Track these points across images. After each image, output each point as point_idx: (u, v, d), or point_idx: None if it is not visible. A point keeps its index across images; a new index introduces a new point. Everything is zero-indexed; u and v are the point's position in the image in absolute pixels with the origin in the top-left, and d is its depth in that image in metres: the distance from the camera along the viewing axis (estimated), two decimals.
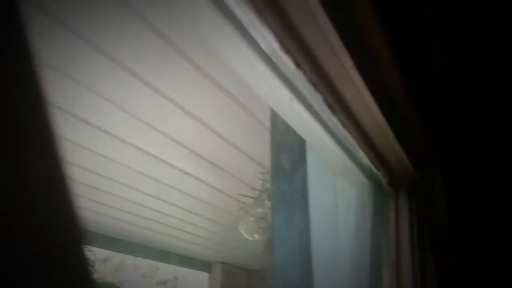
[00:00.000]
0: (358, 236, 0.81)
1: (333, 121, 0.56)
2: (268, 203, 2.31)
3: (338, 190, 0.89)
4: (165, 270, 8.09)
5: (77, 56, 1.46)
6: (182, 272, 7.94)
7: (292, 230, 1.09)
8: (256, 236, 2.41)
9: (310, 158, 0.96)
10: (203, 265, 4.34)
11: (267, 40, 0.41)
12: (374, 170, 0.73)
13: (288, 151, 0.98)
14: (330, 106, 0.53)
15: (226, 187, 2.60)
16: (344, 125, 0.58)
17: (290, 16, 0.41)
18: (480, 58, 0.90)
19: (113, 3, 1.22)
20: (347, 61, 0.50)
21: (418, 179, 0.82)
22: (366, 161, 0.69)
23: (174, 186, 2.51)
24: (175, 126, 1.93)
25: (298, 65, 0.45)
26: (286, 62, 0.44)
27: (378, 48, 0.56)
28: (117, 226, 3.13)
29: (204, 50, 1.43)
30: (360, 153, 0.66)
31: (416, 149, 0.81)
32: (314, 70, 0.49)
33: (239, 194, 2.39)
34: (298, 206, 1.07)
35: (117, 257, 7.69)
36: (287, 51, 0.43)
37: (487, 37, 0.86)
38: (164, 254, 3.94)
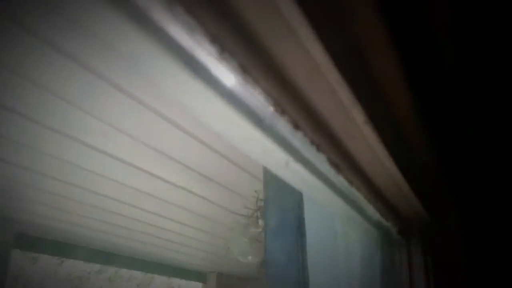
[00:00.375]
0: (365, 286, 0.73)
1: (339, 180, 0.47)
2: (262, 223, 2.22)
3: (338, 230, 0.81)
4: (161, 280, 8.01)
5: (65, 74, 1.41)
6: (178, 281, 7.86)
7: (288, 263, 1.03)
8: (249, 258, 2.32)
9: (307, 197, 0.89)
10: (198, 275, 4.28)
11: (257, 99, 0.32)
12: (383, 221, 0.65)
13: (282, 189, 0.91)
14: (335, 166, 0.44)
15: (220, 199, 2.57)
16: (351, 183, 0.49)
17: (286, 71, 0.32)
18: (498, 94, 0.83)
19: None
20: (359, 116, 0.41)
21: (431, 221, 0.74)
22: (375, 214, 0.60)
23: (167, 199, 2.49)
24: (167, 140, 1.91)
25: (296, 126, 0.36)
26: (282, 123, 0.35)
27: (395, 95, 0.48)
28: (109, 240, 3.10)
29: None
30: (369, 208, 0.58)
31: (430, 193, 0.73)
32: (317, 129, 0.40)
33: (233, 213, 2.31)
34: (294, 239, 1.00)
35: (112, 267, 7.59)
36: (282, 112, 0.34)
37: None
38: (158, 266, 3.89)
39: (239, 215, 2.32)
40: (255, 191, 2.18)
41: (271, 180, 1.01)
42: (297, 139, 0.38)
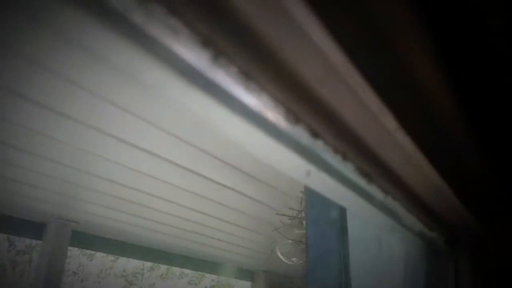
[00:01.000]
0: None
1: (372, 189, 0.43)
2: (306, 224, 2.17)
3: (382, 238, 0.75)
4: (211, 276, 8.15)
5: (107, 76, 1.44)
6: (228, 278, 7.95)
7: (330, 271, 0.99)
8: (294, 260, 2.28)
9: None
10: (246, 274, 4.29)
11: (266, 107, 0.29)
12: (427, 231, 0.59)
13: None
14: (365, 175, 0.40)
15: (267, 199, 2.57)
16: (386, 192, 0.44)
17: (298, 75, 0.29)
18: None
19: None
20: (390, 122, 0.37)
21: (482, 229, 0.67)
22: (416, 223, 0.55)
23: (215, 199, 2.51)
24: (216, 142, 1.92)
25: (315, 134, 0.33)
26: (298, 132, 0.32)
27: (433, 94, 0.43)
28: (161, 239, 3.19)
29: None
30: (409, 217, 0.52)
31: (480, 198, 0.66)
32: (340, 136, 0.36)
33: (277, 214, 2.28)
34: (336, 246, 0.97)
35: (163, 265, 7.82)
36: (297, 119, 0.30)
37: None
38: (208, 264, 3.94)
39: (284, 215, 2.29)
40: (301, 192, 2.14)
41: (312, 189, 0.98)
42: (318, 148, 0.34)
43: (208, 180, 2.29)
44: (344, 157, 0.37)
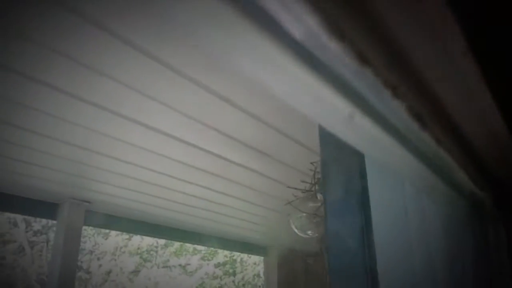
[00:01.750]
0: (450, 264, 0.61)
1: (422, 137, 0.36)
2: (320, 196, 2.12)
3: (409, 201, 0.69)
4: (224, 252, 8.25)
5: (120, 57, 1.40)
6: (240, 254, 8.05)
7: (351, 233, 0.94)
8: (309, 233, 2.23)
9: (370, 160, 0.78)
10: (259, 249, 4.30)
11: (303, 21, 0.21)
12: (476, 190, 0.52)
13: (341, 155, 0.80)
14: (418, 118, 0.33)
15: (276, 174, 2.53)
16: (439, 142, 0.37)
17: None
18: None
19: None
20: (457, 44, 0.29)
21: None
22: (466, 181, 0.48)
23: (224, 176, 2.48)
24: (222, 118, 1.89)
25: (363, 59, 0.26)
26: (342, 54, 0.24)
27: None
28: (174, 216, 3.20)
29: None
30: (460, 174, 0.45)
31: None
32: (392, 64, 0.29)
33: (289, 187, 2.23)
34: (356, 209, 0.90)
35: (176, 242, 7.94)
36: (341, 36, 0.23)
37: None
38: (220, 241, 3.95)
39: (296, 189, 2.25)
40: (312, 163, 2.08)
41: (328, 146, 0.90)
42: (365, 80, 0.27)
43: (217, 157, 2.26)
44: (395, 92, 0.30)
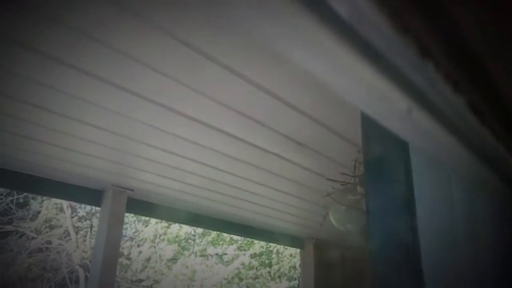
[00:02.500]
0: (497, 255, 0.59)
1: (481, 133, 0.35)
2: (361, 189, 2.08)
3: (455, 191, 0.67)
4: (260, 243, 8.31)
5: (161, 49, 1.43)
6: (277, 245, 8.09)
7: (394, 226, 0.91)
8: (349, 226, 2.20)
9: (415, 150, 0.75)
10: (296, 241, 4.30)
11: (365, 13, 0.21)
12: None
13: (383, 145, 0.78)
14: (478, 113, 0.32)
15: (315, 166, 2.51)
16: (497, 138, 0.36)
17: None
18: None
19: None
20: None
21: None
22: None
23: (262, 166, 2.49)
24: (261, 108, 1.89)
25: (426, 53, 0.25)
26: (404, 46, 0.24)
27: None
28: (211, 206, 3.25)
29: None
30: None
31: None
32: (455, 58, 0.28)
33: (328, 179, 2.21)
34: (400, 201, 0.88)
35: (214, 231, 8.08)
36: (405, 29, 0.22)
37: None
38: (257, 231, 3.98)
39: (335, 181, 2.22)
40: (352, 154, 2.04)
41: (371, 137, 0.89)
42: (426, 74, 0.26)
43: (256, 148, 2.27)
44: (456, 87, 0.29)
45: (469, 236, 0.71)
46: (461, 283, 0.76)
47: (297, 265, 7.91)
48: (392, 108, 0.30)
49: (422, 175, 0.81)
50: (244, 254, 8.65)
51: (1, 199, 8.00)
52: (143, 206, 3.11)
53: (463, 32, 0.27)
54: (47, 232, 8.54)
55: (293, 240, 4.29)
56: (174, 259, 8.63)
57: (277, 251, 8.55)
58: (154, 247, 8.84)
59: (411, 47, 0.24)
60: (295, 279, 8.47)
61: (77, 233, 8.85)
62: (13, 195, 8.08)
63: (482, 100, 0.32)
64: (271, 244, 7.96)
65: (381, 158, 0.92)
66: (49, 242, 8.48)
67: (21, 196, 8.21)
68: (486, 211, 0.62)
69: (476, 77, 0.31)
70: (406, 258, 0.87)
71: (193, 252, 9.01)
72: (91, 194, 2.79)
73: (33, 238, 8.33)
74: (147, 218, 8.54)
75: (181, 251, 8.87)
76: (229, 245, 8.89)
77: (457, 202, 0.76)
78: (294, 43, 0.26)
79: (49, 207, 8.58)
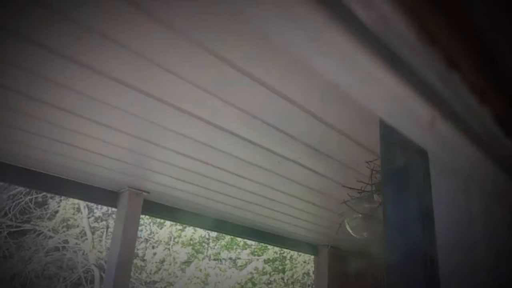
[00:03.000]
0: None
1: (507, 145, 0.34)
2: (377, 197, 2.05)
3: (474, 204, 0.65)
4: (274, 249, 8.28)
5: (162, 42, 1.44)
6: (291, 251, 8.05)
7: (411, 236, 0.90)
8: (365, 234, 2.18)
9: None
10: (310, 248, 4.27)
11: (389, 21, 0.21)
12: None
13: (402, 154, 0.77)
14: (504, 124, 0.31)
15: (331, 173, 2.49)
16: None
17: None
18: None
19: None
20: None
21: None
22: None
23: (277, 172, 2.48)
24: (277, 114, 1.88)
25: (452, 62, 0.24)
26: (430, 59, 0.23)
27: None
28: (226, 210, 3.25)
29: None
30: None
31: None
32: (481, 68, 0.27)
33: (344, 186, 2.19)
34: (418, 210, 0.87)
35: (228, 235, 8.09)
36: (431, 40, 0.22)
37: None
38: (271, 237, 3.96)
39: (352, 189, 2.20)
40: (368, 162, 2.02)
41: (390, 145, 0.87)
42: (452, 84, 0.26)
43: (273, 154, 2.26)
44: (482, 98, 0.28)
45: (488, 248, 0.70)
46: None
47: (311, 272, 7.85)
48: (415, 117, 0.29)
49: (440, 184, 0.80)
50: (257, 259, 8.63)
51: (20, 198, 8.17)
52: (159, 209, 3.13)
53: (490, 42, 0.27)
54: (64, 231, 8.68)
55: (307, 247, 4.26)
56: (187, 262, 8.66)
57: (290, 257, 8.50)
58: (169, 249, 8.90)
59: (437, 57, 0.24)
60: (309, 286, 8.40)
61: (93, 233, 8.97)
62: (32, 194, 8.25)
63: (508, 112, 0.31)
64: (285, 250, 7.93)
65: (399, 167, 0.90)
66: (66, 242, 8.62)
67: (40, 195, 8.37)
68: (506, 224, 0.61)
69: (502, 88, 0.30)
70: (423, 269, 0.85)
71: (206, 255, 9.03)
72: (107, 195, 2.82)
73: (50, 237, 8.48)
74: (162, 221, 8.60)
75: (195, 254, 8.90)
76: (242, 249, 8.89)
77: (476, 213, 0.74)
78: (315, 50, 0.26)
79: (66, 207, 8.73)
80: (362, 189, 2.13)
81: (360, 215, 2.14)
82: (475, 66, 0.27)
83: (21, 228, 8.27)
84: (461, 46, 0.25)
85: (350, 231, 2.23)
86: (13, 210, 8.07)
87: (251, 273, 8.28)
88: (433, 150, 0.38)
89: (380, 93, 0.27)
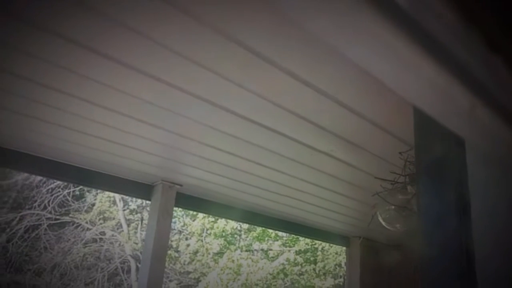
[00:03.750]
0: None
1: None
2: (411, 189, 2.01)
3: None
4: (305, 240, 8.27)
5: (194, 36, 1.44)
6: (322, 243, 8.02)
7: (447, 234, 0.87)
8: (398, 226, 2.13)
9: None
10: (342, 239, 4.24)
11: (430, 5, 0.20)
12: None
13: (437, 142, 0.75)
14: None
15: (363, 164, 2.45)
16: None
17: None
18: None
19: None
20: None
21: None
22: None
23: (309, 164, 2.47)
24: (308, 105, 1.87)
25: (493, 44, 0.23)
26: (469, 41, 0.22)
27: None
28: (258, 202, 3.27)
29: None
30: None
31: None
32: None
33: (377, 178, 2.15)
34: (454, 201, 0.84)
35: (259, 227, 8.15)
36: (472, 21, 0.21)
37: None
38: (302, 228, 3.96)
39: (385, 180, 2.15)
40: (400, 153, 1.97)
41: (424, 134, 0.85)
42: (493, 69, 0.25)
43: (306, 146, 2.25)
44: None
45: None
46: None
47: (343, 263, 7.80)
48: (454, 105, 0.28)
49: (478, 174, 0.77)
50: (289, 251, 8.65)
51: (59, 191, 8.51)
52: (191, 201, 3.18)
53: None
54: (101, 223, 8.98)
55: (339, 238, 4.23)
56: (220, 253, 8.79)
57: (322, 248, 8.47)
58: (201, 240, 9.05)
59: (478, 39, 0.22)
60: (340, 277, 8.36)
61: (128, 225, 9.24)
62: (69, 188, 8.57)
63: None
64: (316, 241, 7.90)
65: (435, 157, 0.88)
66: (103, 233, 8.93)
67: (77, 189, 8.69)
68: None
69: None
70: (459, 263, 0.82)
71: (238, 247, 9.12)
72: (141, 188, 2.89)
73: (88, 229, 8.80)
74: (194, 213, 8.75)
75: (227, 245, 9.01)
76: (274, 241, 8.93)
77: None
78: (349, 36, 0.25)
79: (102, 200, 9.02)
80: (395, 180, 2.08)
81: (393, 206, 2.10)
82: None
83: (60, 221, 8.63)
84: (504, 28, 0.24)
85: (383, 222, 2.19)
86: (52, 204, 8.42)
87: (282, 264, 8.31)
88: (471, 138, 0.36)
89: (416, 81, 0.26)
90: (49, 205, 8.38)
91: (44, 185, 8.40)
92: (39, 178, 8.15)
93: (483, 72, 0.26)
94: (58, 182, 8.18)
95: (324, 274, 8.45)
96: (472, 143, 0.57)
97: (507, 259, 0.75)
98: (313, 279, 8.38)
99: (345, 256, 4.45)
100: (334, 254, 8.27)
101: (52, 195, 8.44)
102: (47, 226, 8.38)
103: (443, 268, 0.86)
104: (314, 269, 8.44)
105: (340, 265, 8.22)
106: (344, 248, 4.36)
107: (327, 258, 8.39)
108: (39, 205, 8.35)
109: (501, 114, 0.30)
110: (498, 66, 0.25)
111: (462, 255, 0.83)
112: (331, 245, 7.84)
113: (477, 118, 0.29)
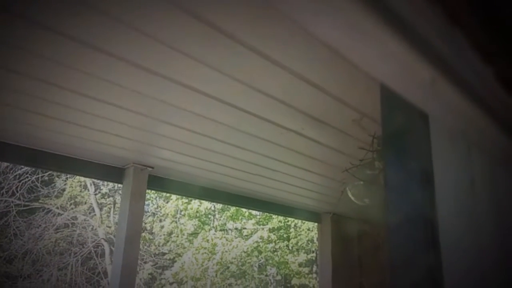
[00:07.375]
0: None
1: (508, 105, 0.33)
2: (379, 165, 2.06)
3: (476, 171, 0.65)
4: (278, 218, 8.42)
5: (166, 18, 1.41)
6: (295, 220, 8.18)
7: (412, 205, 0.90)
8: (366, 200, 2.19)
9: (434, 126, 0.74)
10: (313, 216, 4.33)
11: None
12: None
13: (402, 117, 0.76)
14: (507, 84, 0.31)
15: (332, 142, 2.49)
16: None
17: None
18: None
19: None
20: None
21: None
22: None
23: (279, 143, 2.49)
24: (277, 85, 1.88)
25: (454, 18, 0.24)
26: (429, 13, 0.22)
27: None
28: (230, 182, 3.28)
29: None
30: None
31: None
32: (483, 26, 0.26)
33: (347, 155, 2.19)
34: (419, 175, 0.86)
35: (233, 206, 8.22)
36: None
37: None
38: (275, 206, 4.02)
39: (353, 157, 2.20)
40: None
41: (390, 110, 0.87)
42: (453, 42, 0.25)
43: (275, 125, 2.26)
44: (485, 57, 0.28)
45: (489, 210, 0.70)
46: (481, 257, 0.76)
47: (315, 239, 8.00)
48: (415, 78, 0.29)
49: (441, 148, 0.79)
50: (262, 229, 8.78)
51: (27, 177, 8.26)
52: (164, 183, 3.15)
53: (498, 1, 0.26)
54: (72, 208, 8.82)
55: (311, 215, 4.32)
56: (194, 234, 8.83)
57: (295, 225, 8.65)
58: (176, 222, 9.05)
59: (439, 12, 0.23)
60: (313, 252, 8.58)
61: (101, 209, 9.11)
62: (38, 173, 8.33)
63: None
64: (289, 218, 8.05)
65: (399, 131, 0.90)
66: (75, 218, 8.78)
67: (46, 174, 8.46)
68: (509, 186, 0.61)
69: (509, 49, 0.30)
70: (424, 232, 0.86)
71: (213, 226, 9.19)
72: (113, 172, 2.84)
73: (59, 214, 8.62)
74: (168, 195, 8.71)
75: (202, 226, 9.06)
76: (248, 220, 9.04)
77: (477, 176, 0.74)
78: (316, 13, 0.25)
79: (73, 184, 8.83)
80: (364, 157, 2.13)
81: (361, 182, 2.16)
82: (479, 24, 0.26)
83: (30, 207, 8.41)
84: (465, 3, 0.25)
85: (352, 197, 2.25)
86: (20, 190, 8.18)
87: (256, 242, 8.45)
88: (433, 112, 0.37)
89: (381, 56, 0.26)
90: (17, 192, 8.13)
91: (11, 171, 8.13)
92: (5, 164, 7.88)
93: (444, 45, 0.26)
94: (26, 168, 7.93)
95: (297, 250, 8.65)
96: (435, 117, 0.59)
97: (468, 226, 0.79)
98: (287, 255, 8.57)
99: (317, 232, 4.57)
100: (307, 230, 8.46)
101: (20, 181, 8.19)
102: (16, 212, 8.15)
103: (408, 236, 0.90)
104: (287, 246, 8.63)
105: (312, 241, 8.43)
106: (316, 224, 4.46)
107: (299, 235, 8.58)
108: (6, 192, 8.10)
109: (462, 88, 0.31)
110: (458, 39, 0.26)
111: (426, 224, 0.86)
112: (304, 221, 8.01)
113: (438, 92, 0.30)
